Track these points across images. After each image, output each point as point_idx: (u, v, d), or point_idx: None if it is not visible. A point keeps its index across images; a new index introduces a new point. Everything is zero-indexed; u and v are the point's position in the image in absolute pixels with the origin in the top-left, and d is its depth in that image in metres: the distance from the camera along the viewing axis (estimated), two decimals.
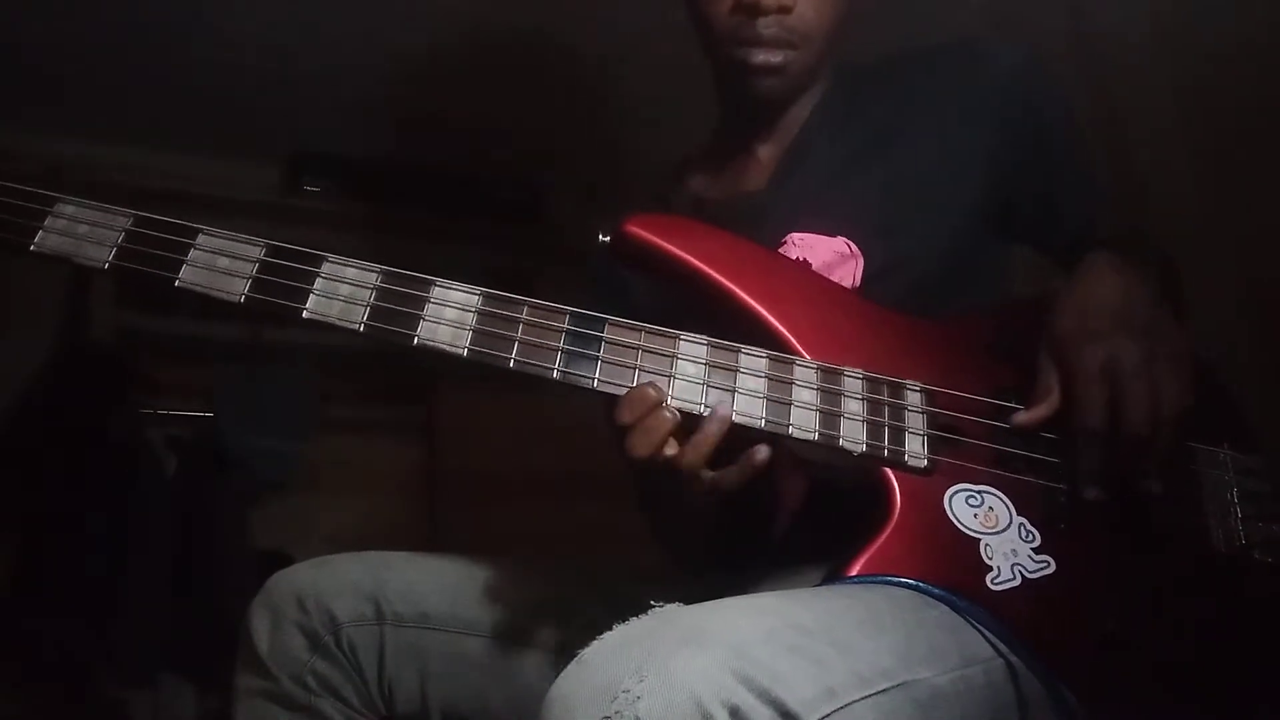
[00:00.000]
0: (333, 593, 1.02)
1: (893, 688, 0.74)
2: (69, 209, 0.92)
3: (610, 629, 0.99)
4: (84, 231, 0.91)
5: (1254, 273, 1.83)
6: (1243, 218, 1.84)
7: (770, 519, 1.05)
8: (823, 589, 0.86)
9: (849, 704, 0.71)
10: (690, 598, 0.80)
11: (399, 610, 1.03)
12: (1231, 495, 0.96)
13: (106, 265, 0.90)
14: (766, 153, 1.18)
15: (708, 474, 0.87)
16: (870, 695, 0.72)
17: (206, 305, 0.90)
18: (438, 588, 1.06)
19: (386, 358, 2.35)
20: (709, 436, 0.87)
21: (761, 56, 1.09)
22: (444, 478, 2.59)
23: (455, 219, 2.75)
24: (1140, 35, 1.90)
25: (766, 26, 1.08)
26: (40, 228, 0.90)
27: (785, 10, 1.08)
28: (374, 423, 2.59)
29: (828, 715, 0.69)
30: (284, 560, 1.98)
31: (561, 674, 0.72)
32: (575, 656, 0.72)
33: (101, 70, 2.20)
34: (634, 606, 1.05)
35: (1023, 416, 0.93)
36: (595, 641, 0.73)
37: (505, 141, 2.55)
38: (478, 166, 2.71)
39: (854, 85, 1.18)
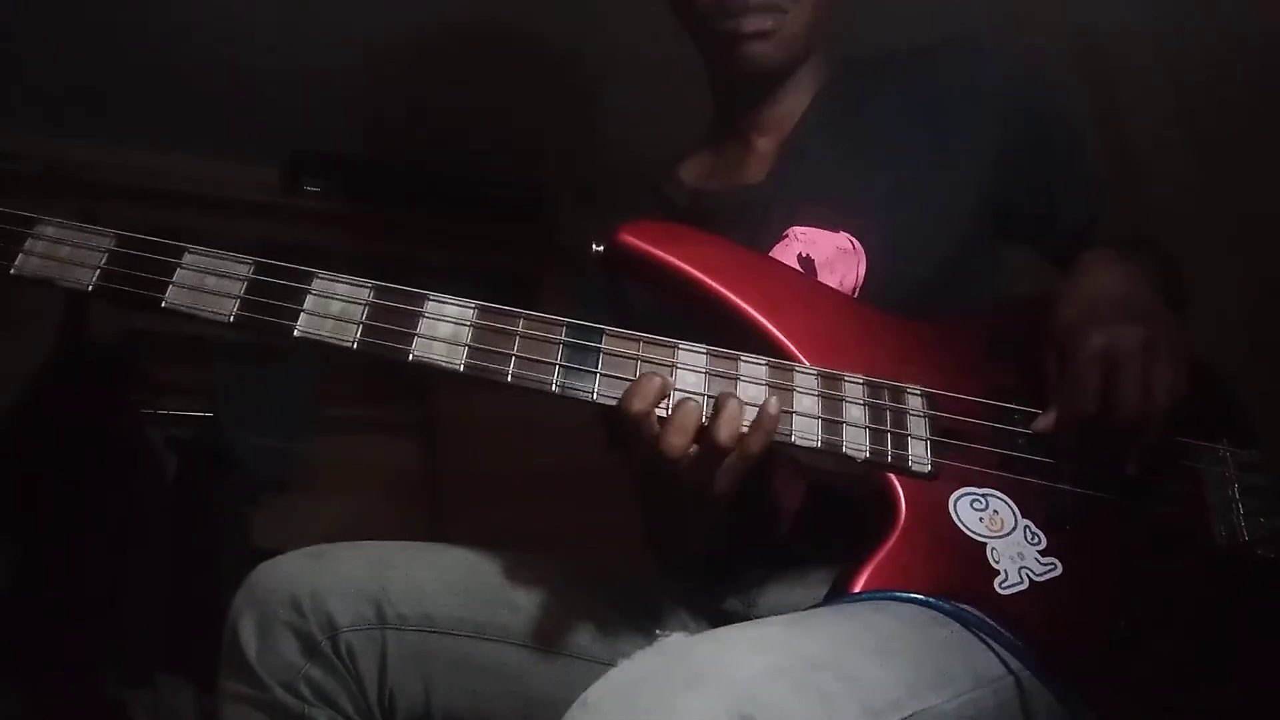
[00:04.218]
0: (330, 592, 0.96)
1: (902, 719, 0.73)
2: (49, 230, 0.88)
3: (616, 635, 0.99)
4: (66, 253, 0.88)
5: (1255, 269, 1.83)
6: (1243, 215, 1.84)
7: (771, 524, 1.04)
8: (831, 611, 0.84)
9: None
10: (701, 613, 0.77)
11: (402, 612, 0.98)
12: (1233, 491, 0.96)
13: (90, 288, 0.87)
14: (765, 145, 1.17)
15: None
16: None
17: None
18: (443, 587, 1.01)
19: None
20: (735, 414, 0.84)
21: (752, 23, 1.09)
22: (444, 478, 2.59)
23: (455, 219, 2.75)
24: (1142, 33, 1.89)
25: None
26: (20, 250, 0.88)
27: None
28: (374, 422, 2.59)
29: None
30: None
31: (565, 715, 0.70)
32: (579, 699, 0.70)
33: (102, 70, 2.19)
34: (645, 608, 1.05)
35: (1041, 423, 0.93)
36: (599, 682, 0.71)
37: (504, 141, 2.55)
38: (477, 167, 2.71)
39: (853, 80, 1.18)
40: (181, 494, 2.17)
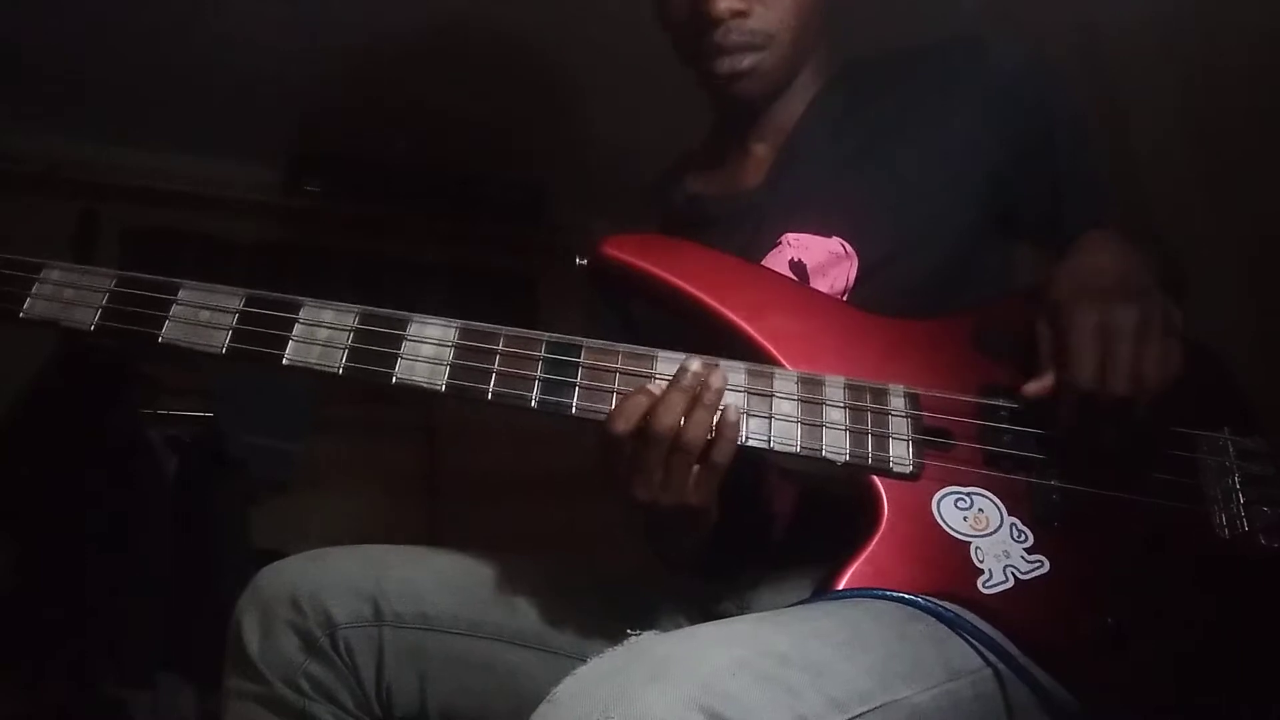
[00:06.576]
0: (329, 591, 0.98)
1: (869, 711, 0.73)
2: (55, 274, 0.92)
3: (610, 635, 0.98)
4: (70, 295, 0.92)
5: (1255, 266, 1.83)
6: (1245, 212, 1.84)
7: (765, 527, 1.04)
8: (805, 608, 0.85)
9: None
10: (696, 615, 0.76)
11: (399, 610, 0.99)
12: (1233, 480, 0.95)
13: (92, 327, 0.90)
14: (762, 150, 1.17)
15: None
16: None
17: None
18: (439, 586, 1.02)
19: None
20: (715, 396, 0.86)
21: (726, 65, 1.08)
22: (444, 478, 2.59)
23: (455, 219, 2.75)
24: (1143, 32, 1.89)
25: (725, 34, 1.07)
26: (28, 295, 0.91)
27: (741, 15, 1.06)
28: (374, 423, 2.59)
29: None
30: None
31: (534, 713, 0.71)
32: (548, 696, 0.71)
33: (101, 70, 2.20)
34: (640, 609, 1.04)
35: (1032, 386, 0.92)
36: (568, 678, 0.72)
37: (505, 141, 2.55)
38: (477, 166, 2.71)
39: (852, 82, 1.17)
40: (181, 494, 2.17)
